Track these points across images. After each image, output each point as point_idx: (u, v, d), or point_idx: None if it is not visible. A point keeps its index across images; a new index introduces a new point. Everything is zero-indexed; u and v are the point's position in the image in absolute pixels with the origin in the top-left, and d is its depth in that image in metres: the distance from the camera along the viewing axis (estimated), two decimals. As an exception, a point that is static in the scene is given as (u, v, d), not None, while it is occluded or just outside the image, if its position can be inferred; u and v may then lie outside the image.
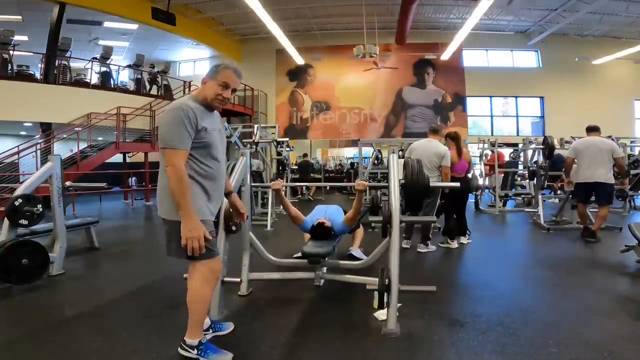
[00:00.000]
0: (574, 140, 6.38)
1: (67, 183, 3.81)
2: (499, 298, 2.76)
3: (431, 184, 2.62)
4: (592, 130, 4.70)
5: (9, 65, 9.09)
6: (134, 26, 12.01)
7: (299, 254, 3.07)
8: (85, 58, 11.04)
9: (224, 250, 2.42)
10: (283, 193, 3.29)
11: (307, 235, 3.39)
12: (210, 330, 2.08)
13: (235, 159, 2.75)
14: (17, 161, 8.13)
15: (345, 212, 3.33)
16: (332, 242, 3.04)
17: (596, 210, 4.85)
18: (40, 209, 3.28)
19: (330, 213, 3.34)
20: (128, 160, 10.80)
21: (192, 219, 1.67)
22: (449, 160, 4.05)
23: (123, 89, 11.16)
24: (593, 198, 4.66)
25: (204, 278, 1.79)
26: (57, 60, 9.56)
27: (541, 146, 6.18)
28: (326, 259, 2.82)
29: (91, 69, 10.92)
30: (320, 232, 3.06)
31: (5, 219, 3.18)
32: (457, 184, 3.02)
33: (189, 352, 1.80)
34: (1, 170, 7.80)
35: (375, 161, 8.60)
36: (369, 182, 3.61)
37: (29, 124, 10.50)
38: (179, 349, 1.82)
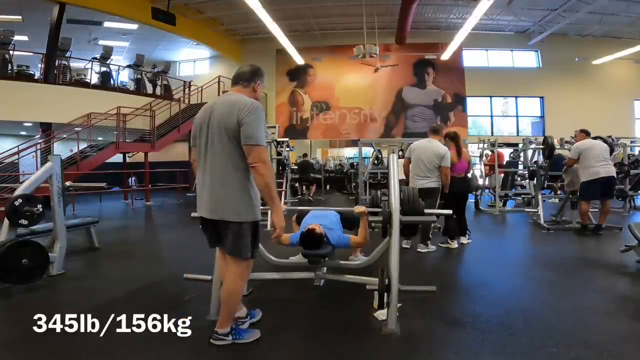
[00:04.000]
0: (574, 140, 6.40)
1: (67, 183, 3.81)
2: (499, 298, 2.77)
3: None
4: (589, 134, 5.22)
5: (9, 65, 9.09)
6: (134, 26, 12.00)
7: (298, 256, 3.07)
8: (85, 58, 11.03)
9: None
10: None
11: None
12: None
13: None
14: (17, 161, 8.12)
15: (343, 219, 3.13)
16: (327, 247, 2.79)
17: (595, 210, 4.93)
18: (40, 209, 3.28)
19: (326, 223, 2.92)
20: (128, 160, 10.79)
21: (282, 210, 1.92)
22: (449, 161, 4.04)
23: (123, 89, 11.15)
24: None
25: (240, 275, 1.95)
26: (57, 60, 9.56)
27: (541, 146, 6.18)
28: (326, 259, 2.82)
29: (91, 69, 10.92)
30: (309, 239, 2.69)
31: (5, 219, 3.18)
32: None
33: (224, 339, 1.93)
34: (1, 170, 7.79)
35: (375, 161, 8.62)
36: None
37: (29, 124, 10.50)
38: (212, 341, 1.93)
